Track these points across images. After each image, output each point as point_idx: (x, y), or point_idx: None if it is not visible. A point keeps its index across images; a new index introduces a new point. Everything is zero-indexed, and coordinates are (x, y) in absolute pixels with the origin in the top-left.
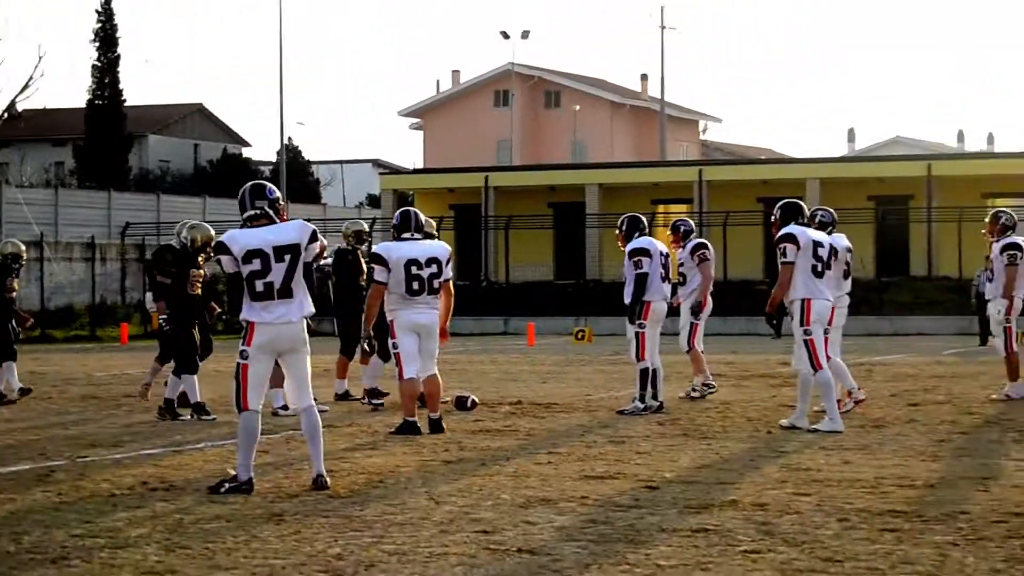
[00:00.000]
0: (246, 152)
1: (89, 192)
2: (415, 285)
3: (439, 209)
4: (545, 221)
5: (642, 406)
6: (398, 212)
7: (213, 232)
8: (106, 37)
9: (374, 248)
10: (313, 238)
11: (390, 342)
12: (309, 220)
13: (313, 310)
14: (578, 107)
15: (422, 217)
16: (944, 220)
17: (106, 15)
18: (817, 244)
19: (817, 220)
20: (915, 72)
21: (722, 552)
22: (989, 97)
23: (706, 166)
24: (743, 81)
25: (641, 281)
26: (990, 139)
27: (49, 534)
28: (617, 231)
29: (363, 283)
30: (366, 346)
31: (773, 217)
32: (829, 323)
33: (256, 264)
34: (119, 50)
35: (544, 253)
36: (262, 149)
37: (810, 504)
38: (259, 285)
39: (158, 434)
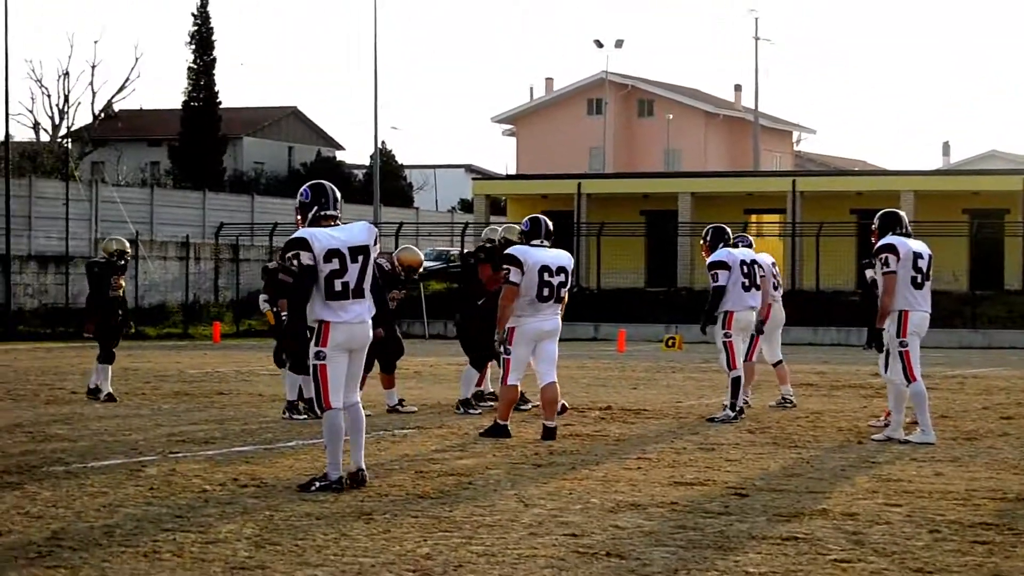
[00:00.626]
0: (339, 155)
1: (184, 192)
2: (545, 291)
3: (532, 215)
4: (637, 228)
5: (732, 414)
6: (527, 219)
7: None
8: (202, 40)
9: (509, 250)
10: (376, 240)
11: (503, 347)
12: (402, 224)
13: (375, 311)
14: (671, 116)
15: (551, 225)
16: None
17: (202, 18)
18: (916, 255)
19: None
20: (1012, 86)
21: (811, 560)
22: None
23: (800, 177)
24: (838, 92)
25: (718, 293)
26: None
27: (141, 528)
28: (702, 241)
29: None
30: (500, 349)
31: (872, 227)
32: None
33: (335, 263)
34: (215, 53)
35: (636, 260)
36: (355, 152)
37: (901, 515)
38: (338, 284)
39: (250, 432)
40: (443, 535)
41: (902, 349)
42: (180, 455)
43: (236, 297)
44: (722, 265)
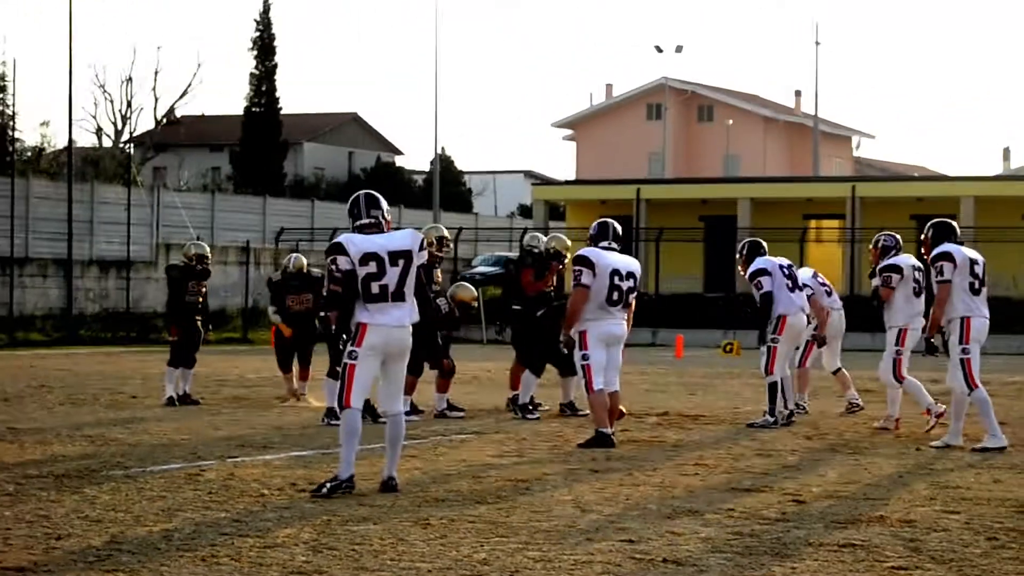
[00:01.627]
0: (399, 161)
1: (245, 197)
2: (615, 295)
3: (590, 220)
4: (696, 234)
5: (772, 419)
6: (596, 223)
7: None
8: (264, 46)
9: (581, 251)
10: (422, 246)
11: (579, 353)
12: (461, 229)
13: (419, 318)
14: (731, 122)
15: (620, 228)
16: None
17: (264, 24)
18: (973, 262)
19: (880, 245)
20: None
21: (869, 568)
22: None
23: (859, 182)
24: (897, 98)
25: (766, 299)
26: None
27: (199, 532)
28: (738, 255)
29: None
30: (565, 350)
31: (924, 236)
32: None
33: (372, 267)
34: (276, 58)
35: (694, 266)
36: (415, 158)
37: (959, 522)
38: (375, 287)
39: (308, 436)
40: (499, 540)
41: (963, 356)
42: (239, 459)
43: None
44: (763, 272)
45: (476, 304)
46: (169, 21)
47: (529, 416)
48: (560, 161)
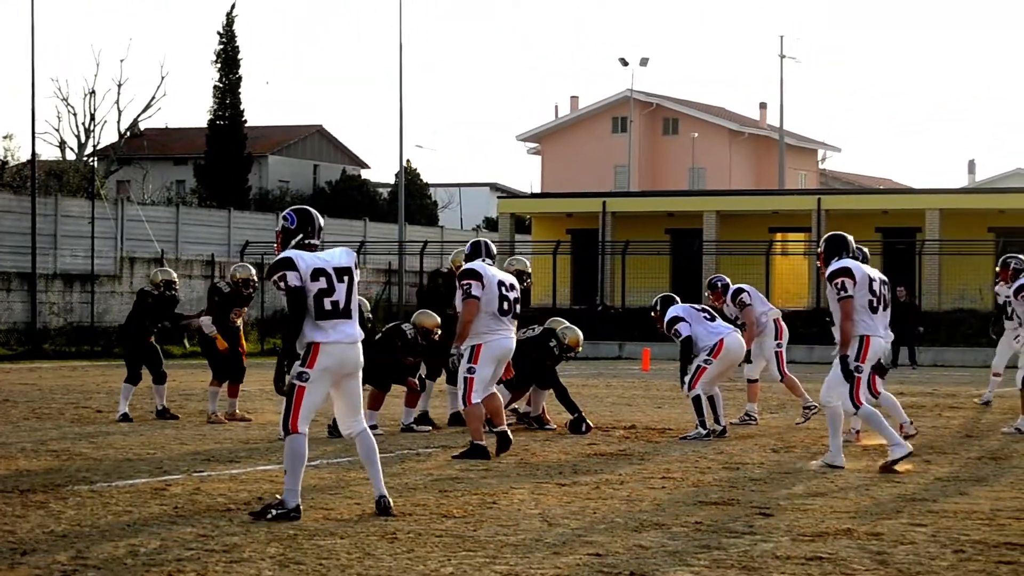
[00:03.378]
0: (365, 173)
1: (210, 211)
2: (504, 305)
3: (556, 233)
4: (662, 247)
5: (704, 431)
6: (470, 243)
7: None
8: (227, 58)
9: (468, 265)
10: (356, 265)
11: (466, 366)
12: (427, 243)
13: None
14: (696, 134)
15: (493, 247)
16: None
17: (228, 37)
18: (871, 279)
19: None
20: None
21: None
22: None
23: (825, 195)
24: (862, 111)
25: (687, 345)
26: None
27: (165, 547)
28: (652, 312)
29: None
30: (455, 364)
31: (818, 250)
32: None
33: (323, 282)
34: (240, 71)
35: (661, 279)
36: (380, 171)
37: (926, 535)
38: (327, 303)
39: (274, 451)
40: (467, 554)
41: (856, 374)
42: (205, 474)
43: (261, 316)
44: (677, 320)
45: (439, 331)
46: (132, 34)
47: (421, 428)
48: (526, 174)
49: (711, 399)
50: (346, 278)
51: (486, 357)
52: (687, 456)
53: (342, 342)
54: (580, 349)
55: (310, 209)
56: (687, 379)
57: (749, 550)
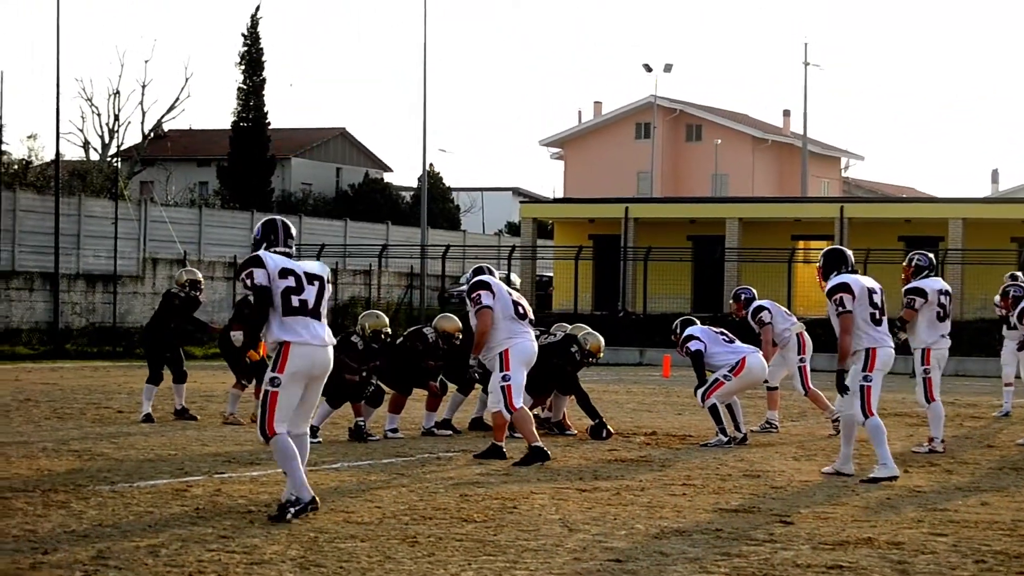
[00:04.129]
0: (387, 177)
1: (232, 212)
2: (519, 310)
3: (578, 239)
4: (684, 253)
5: (725, 439)
6: (472, 270)
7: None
8: (252, 60)
9: (476, 279)
10: (328, 278)
11: (499, 375)
12: (449, 246)
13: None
14: (719, 141)
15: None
16: None
17: (252, 39)
18: (871, 292)
19: (913, 264)
20: None
21: None
22: None
23: (848, 203)
24: (886, 119)
25: (698, 359)
26: None
27: (186, 548)
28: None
29: None
30: (475, 376)
31: (817, 265)
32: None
33: (291, 280)
34: (264, 73)
35: (682, 285)
36: (403, 174)
37: (946, 544)
38: (295, 300)
39: None
40: (487, 559)
41: (864, 384)
42: (226, 475)
43: None
44: (691, 338)
45: (459, 335)
46: (157, 35)
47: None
48: (549, 179)
49: (729, 407)
50: (316, 283)
51: (515, 361)
52: (708, 463)
53: (312, 343)
54: (601, 355)
55: (275, 218)
56: (702, 390)
57: (769, 558)
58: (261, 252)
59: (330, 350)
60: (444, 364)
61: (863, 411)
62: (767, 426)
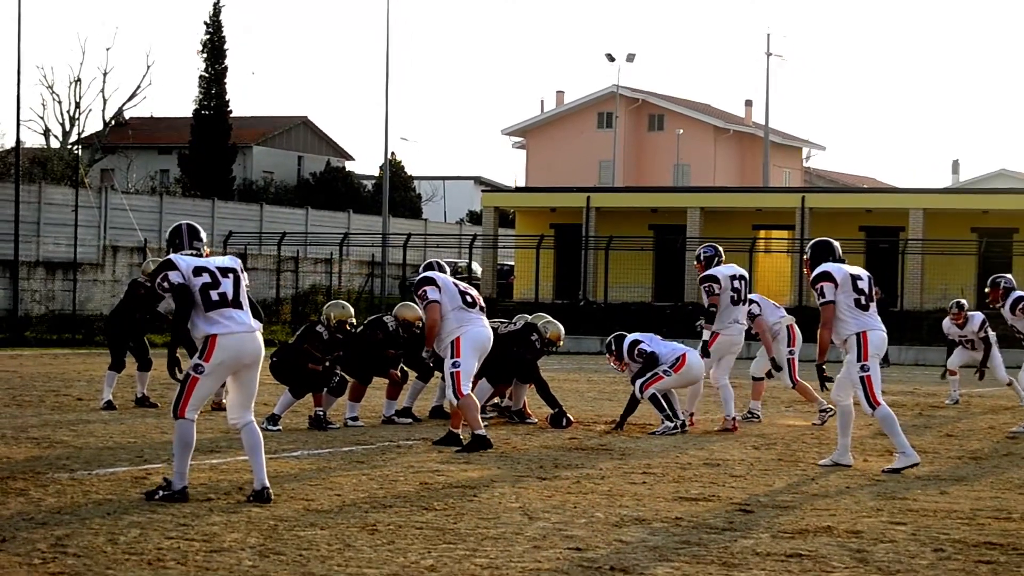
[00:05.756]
0: (349, 165)
1: (193, 200)
2: (468, 299)
3: (540, 228)
4: (645, 243)
5: (672, 424)
6: (423, 266)
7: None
8: (214, 48)
9: (425, 274)
10: (242, 269)
11: (450, 361)
12: (410, 235)
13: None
14: (681, 131)
15: (446, 267)
16: None
17: (214, 27)
18: (856, 278)
19: (702, 259)
20: (1021, 105)
21: None
22: None
23: (809, 193)
24: (847, 109)
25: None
26: None
27: (145, 535)
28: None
29: None
30: (430, 364)
31: (805, 257)
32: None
33: (206, 277)
34: (226, 61)
35: (644, 275)
36: (365, 163)
37: (905, 533)
38: (214, 295)
39: None
40: (447, 547)
41: (863, 374)
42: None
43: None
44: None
45: (420, 324)
46: (119, 22)
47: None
48: (510, 168)
49: (665, 396)
50: (231, 275)
51: (467, 348)
52: (668, 452)
53: (238, 332)
54: (561, 343)
55: (180, 223)
56: (640, 382)
57: (729, 546)
58: (171, 255)
59: (258, 336)
60: (404, 352)
61: (869, 402)
62: (749, 415)
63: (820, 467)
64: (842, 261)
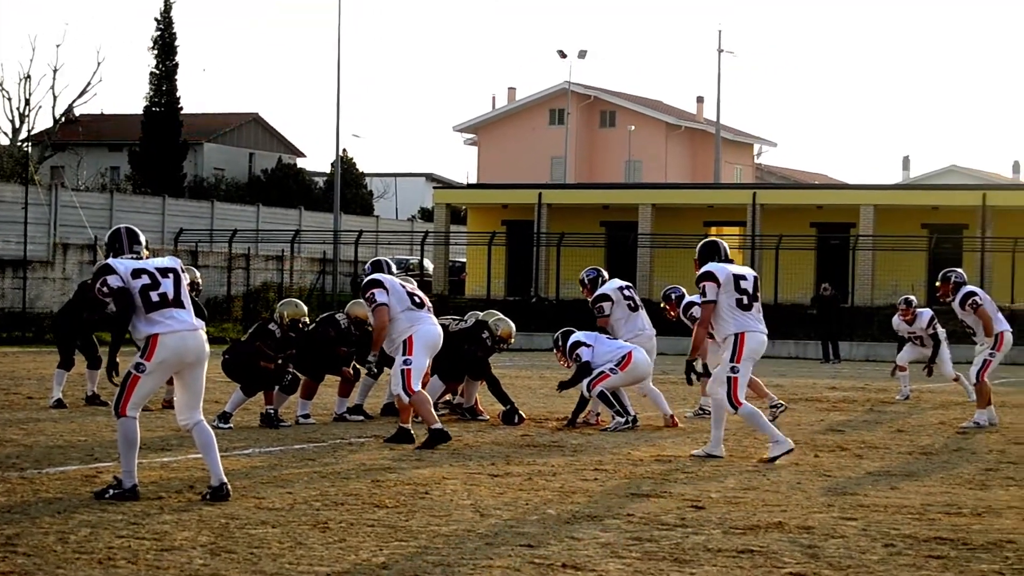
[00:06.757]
0: (300, 162)
1: (144, 197)
2: (416, 299)
3: (492, 224)
4: (597, 239)
5: (623, 419)
6: (370, 262)
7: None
8: (164, 45)
9: (372, 276)
10: (182, 269)
11: (401, 358)
12: (362, 232)
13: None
14: (633, 127)
15: (393, 266)
16: (998, 250)
17: (165, 23)
18: (739, 278)
19: (587, 281)
20: (971, 101)
21: (767, 573)
22: None
23: (760, 190)
24: (799, 106)
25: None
26: None
27: (96, 534)
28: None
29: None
30: (372, 371)
31: (694, 258)
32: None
33: (145, 279)
34: (177, 58)
35: None
36: (316, 160)
37: (856, 529)
38: (154, 296)
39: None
40: (399, 544)
41: (731, 375)
42: (136, 462)
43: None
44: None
45: (371, 320)
46: (69, 18)
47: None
48: (462, 164)
49: (614, 393)
50: (171, 275)
51: (419, 346)
52: (619, 448)
53: (180, 330)
54: (512, 341)
55: (119, 227)
56: (587, 380)
57: (681, 542)
58: (109, 260)
59: (201, 334)
60: (356, 350)
61: (731, 402)
62: (700, 412)
63: (692, 457)
64: (729, 261)
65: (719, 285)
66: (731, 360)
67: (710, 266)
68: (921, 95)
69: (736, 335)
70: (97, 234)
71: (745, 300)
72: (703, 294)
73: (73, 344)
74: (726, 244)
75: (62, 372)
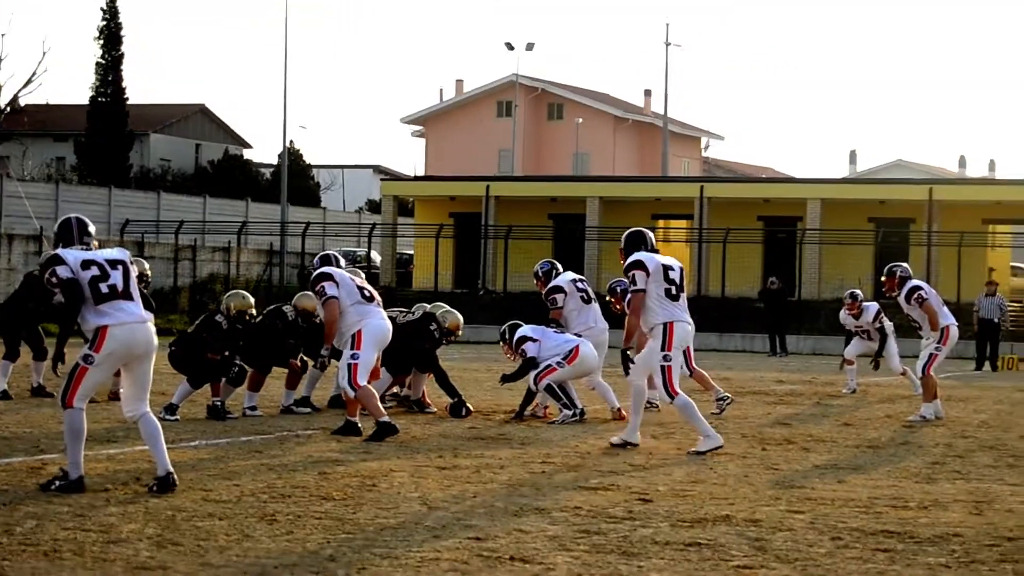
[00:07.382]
0: (247, 154)
1: (90, 188)
2: (365, 293)
3: (439, 217)
4: (545, 232)
5: (571, 412)
6: (319, 257)
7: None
8: (110, 35)
9: (322, 269)
10: (131, 260)
11: (349, 352)
12: (309, 224)
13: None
14: (581, 120)
15: (342, 260)
16: (944, 244)
17: (111, 13)
18: (667, 268)
19: (541, 275)
20: (918, 96)
21: (714, 567)
22: (991, 123)
23: (707, 183)
24: (746, 99)
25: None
26: (991, 165)
27: (41, 527)
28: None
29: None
30: (325, 364)
31: (620, 247)
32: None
33: (95, 270)
34: (123, 48)
35: None
36: (263, 151)
37: (803, 522)
38: (103, 287)
39: None
40: (346, 537)
41: (664, 364)
42: (82, 453)
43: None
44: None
45: (319, 313)
46: (14, 8)
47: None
48: (410, 156)
49: (561, 386)
50: (120, 267)
51: (367, 340)
52: (567, 441)
53: (129, 322)
54: (460, 333)
55: (69, 217)
56: (534, 374)
57: (629, 535)
58: (59, 250)
59: (150, 326)
60: (304, 342)
61: (667, 391)
62: (648, 406)
63: (611, 444)
64: (655, 251)
65: (648, 274)
66: (662, 349)
67: (639, 255)
68: (868, 90)
69: (665, 324)
70: (43, 224)
71: (673, 290)
72: (633, 283)
73: (19, 335)
74: (652, 235)
75: (7, 363)
